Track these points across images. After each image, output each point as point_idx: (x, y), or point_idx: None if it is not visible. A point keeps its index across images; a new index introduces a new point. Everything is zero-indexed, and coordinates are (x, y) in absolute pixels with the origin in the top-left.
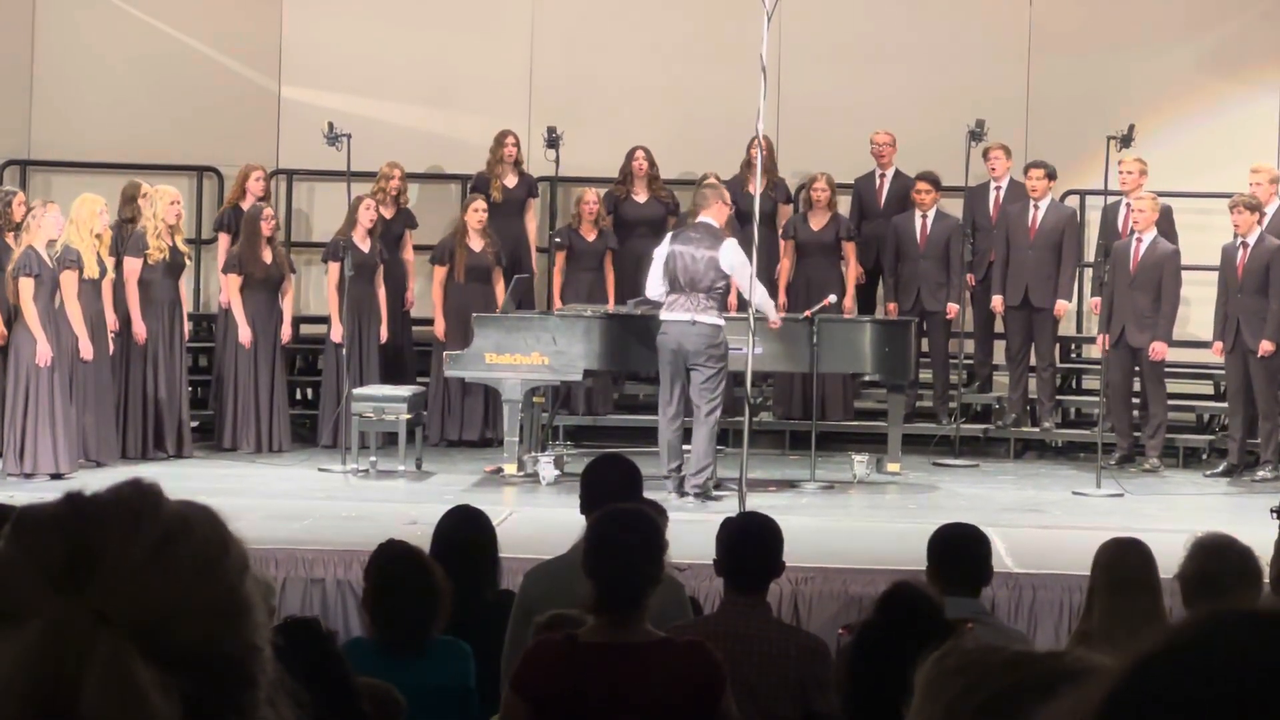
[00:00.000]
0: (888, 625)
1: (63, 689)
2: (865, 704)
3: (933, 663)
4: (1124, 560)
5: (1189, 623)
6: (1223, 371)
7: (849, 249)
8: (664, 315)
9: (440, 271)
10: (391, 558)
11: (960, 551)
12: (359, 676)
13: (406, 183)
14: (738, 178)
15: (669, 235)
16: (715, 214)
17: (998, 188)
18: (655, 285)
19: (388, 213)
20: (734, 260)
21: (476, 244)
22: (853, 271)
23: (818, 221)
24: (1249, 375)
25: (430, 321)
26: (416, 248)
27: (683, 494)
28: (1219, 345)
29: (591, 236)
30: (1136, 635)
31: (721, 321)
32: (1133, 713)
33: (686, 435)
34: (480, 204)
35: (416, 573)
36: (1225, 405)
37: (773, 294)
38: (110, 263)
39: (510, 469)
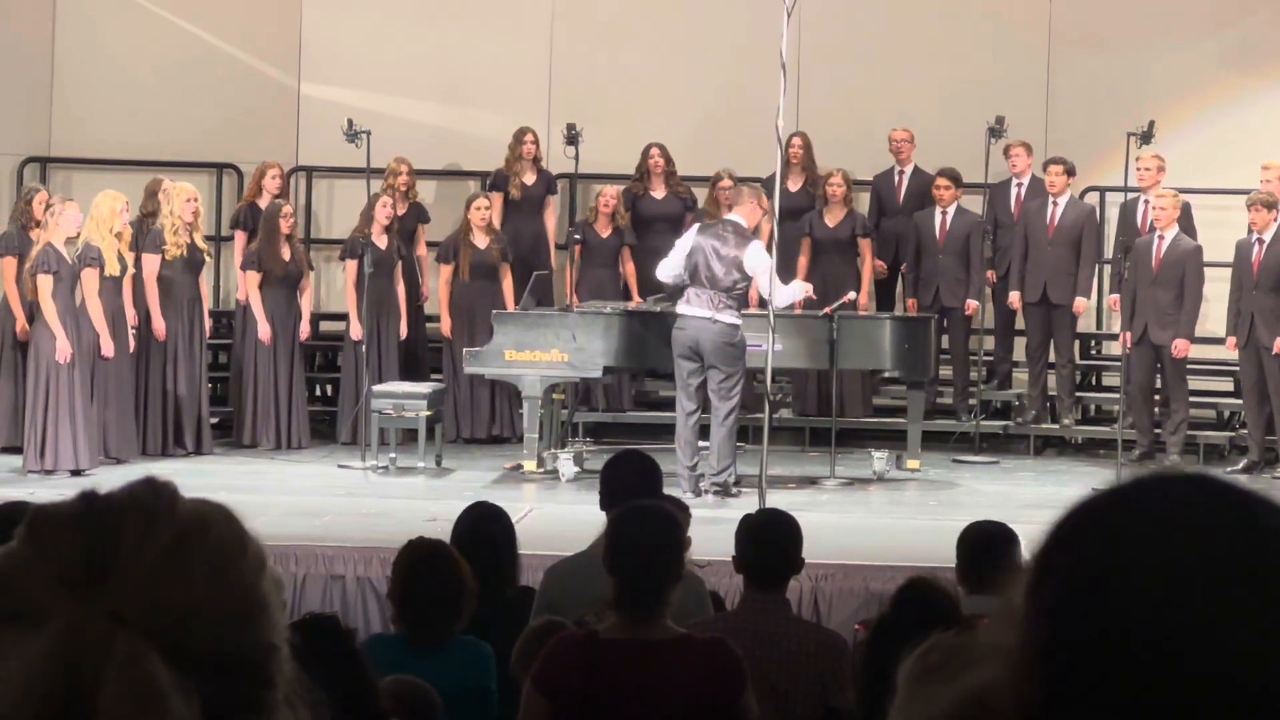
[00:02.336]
0: (903, 620)
1: (81, 690)
2: (880, 699)
3: (917, 658)
4: None
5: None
6: None
7: (865, 245)
8: (681, 309)
9: (446, 270)
10: (421, 553)
11: (989, 549)
12: (393, 674)
13: (415, 177)
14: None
15: (695, 226)
16: (748, 214)
17: (1019, 184)
18: (671, 269)
19: (399, 208)
20: (758, 263)
21: (481, 241)
22: (868, 268)
23: (833, 218)
24: (1263, 371)
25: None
26: (428, 244)
27: (699, 493)
28: (1232, 340)
29: (606, 232)
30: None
31: (739, 321)
32: (1066, 552)
33: (703, 431)
34: (483, 201)
35: (445, 569)
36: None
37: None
38: (131, 259)
39: (530, 466)
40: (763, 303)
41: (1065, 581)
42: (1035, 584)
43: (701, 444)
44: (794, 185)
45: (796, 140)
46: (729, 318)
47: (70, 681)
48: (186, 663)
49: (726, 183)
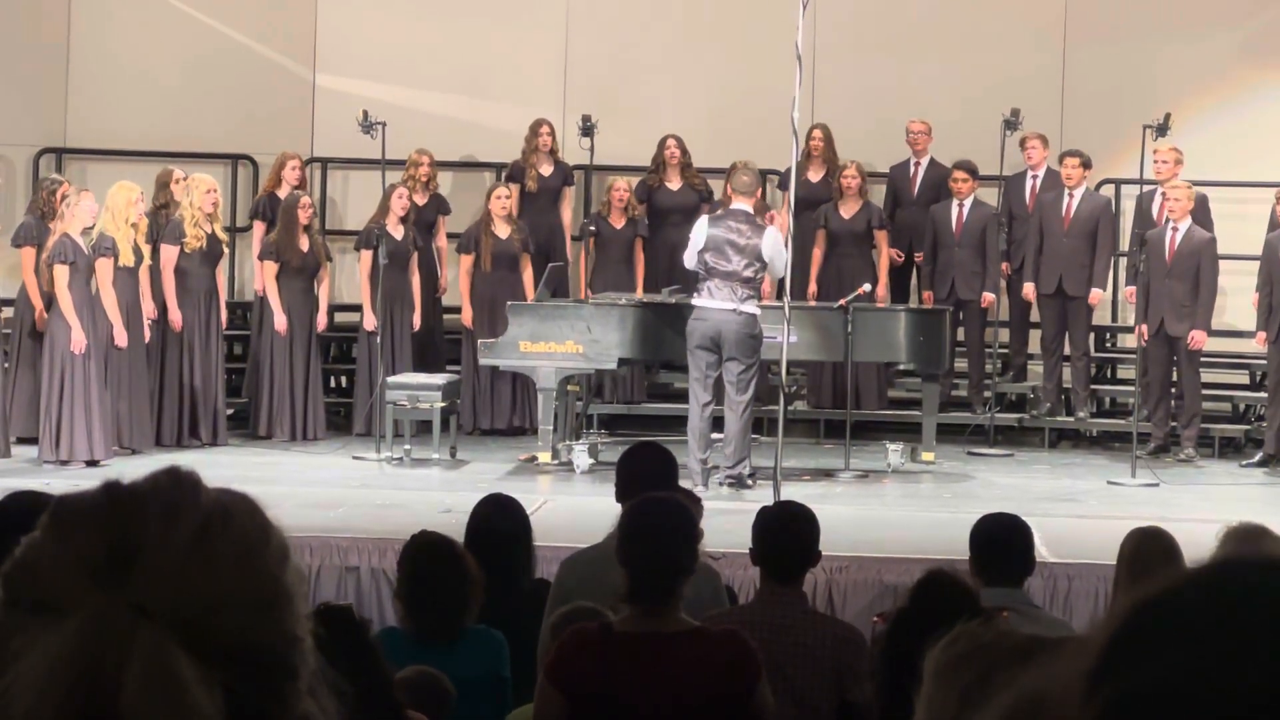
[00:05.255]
0: (922, 612)
1: (104, 683)
2: (899, 691)
3: (942, 648)
4: (1144, 551)
5: (1197, 566)
6: (1259, 361)
7: (880, 237)
8: (700, 302)
9: (467, 260)
10: (424, 548)
11: (1002, 542)
12: (406, 665)
13: (436, 169)
14: (799, 166)
15: (705, 219)
16: (753, 202)
17: (1034, 177)
18: (692, 259)
19: (420, 200)
20: (775, 250)
21: (502, 231)
22: (884, 260)
23: (848, 210)
24: None
25: (460, 309)
26: (448, 235)
27: (708, 486)
28: (1262, 335)
29: (620, 224)
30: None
31: (759, 311)
32: (1137, 646)
33: (716, 423)
34: (504, 191)
35: (449, 563)
36: (1261, 395)
37: (805, 284)
38: (147, 250)
39: (544, 457)
40: (778, 294)
41: (1131, 689)
42: (1099, 673)
43: (714, 436)
44: (815, 177)
45: (817, 133)
46: (751, 308)
47: (93, 674)
48: (209, 655)
49: (752, 166)
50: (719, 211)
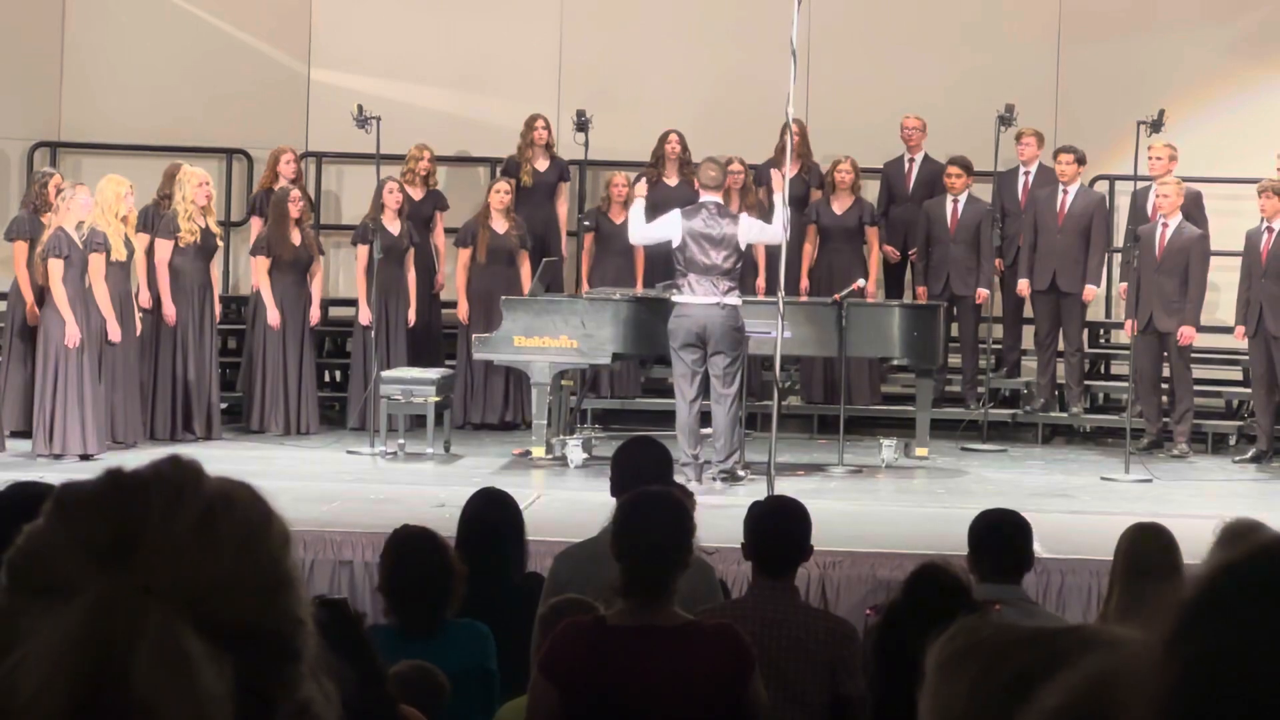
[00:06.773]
0: (915, 605)
1: (115, 659)
2: (891, 684)
3: (944, 643)
4: (1144, 546)
5: (1269, 537)
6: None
7: (872, 233)
8: (681, 298)
9: (464, 254)
10: (406, 541)
11: (1001, 537)
12: (391, 660)
13: (435, 164)
14: (772, 161)
15: (678, 212)
16: (722, 194)
17: (1026, 173)
18: (643, 237)
19: (417, 194)
20: (751, 231)
21: (500, 225)
22: (875, 256)
23: (841, 205)
24: (1272, 360)
25: (457, 304)
26: (445, 230)
27: (703, 481)
28: (1240, 330)
29: (620, 219)
30: (1154, 622)
31: (740, 303)
32: (1215, 609)
33: (704, 418)
34: (503, 185)
35: (430, 555)
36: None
37: (796, 279)
38: (141, 242)
39: (538, 452)
40: (771, 289)
41: (1211, 647)
42: (1178, 637)
43: (704, 431)
44: (790, 172)
45: (793, 126)
46: (733, 300)
47: (103, 654)
48: (215, 636)
49: (737, 167)
50: (690, 206)
